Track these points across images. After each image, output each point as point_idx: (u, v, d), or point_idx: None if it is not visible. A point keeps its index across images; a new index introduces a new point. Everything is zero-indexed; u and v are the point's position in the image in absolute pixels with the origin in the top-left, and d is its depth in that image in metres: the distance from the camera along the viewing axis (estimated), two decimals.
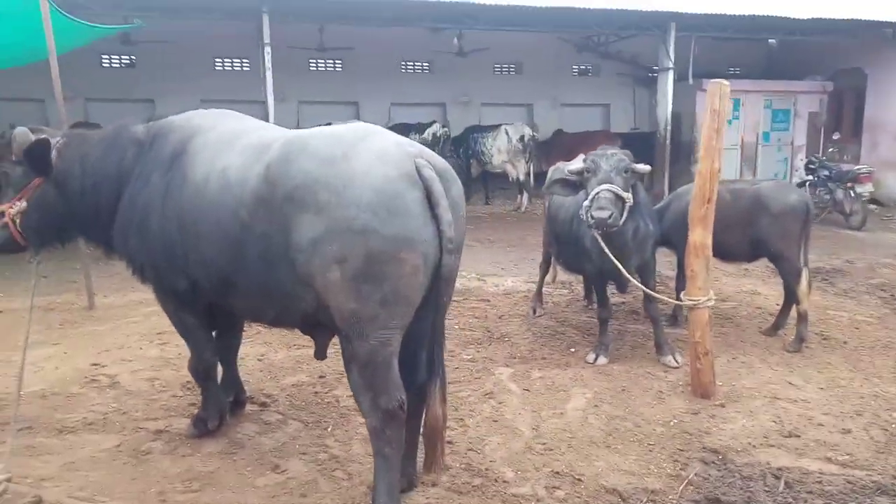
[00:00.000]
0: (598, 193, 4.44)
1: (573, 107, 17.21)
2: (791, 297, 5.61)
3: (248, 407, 4.29)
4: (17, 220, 3.61)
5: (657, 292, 5.27)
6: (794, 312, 5.53)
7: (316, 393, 4.53)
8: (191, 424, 3.90)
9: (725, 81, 4.28)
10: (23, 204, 3.60)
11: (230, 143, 3.27)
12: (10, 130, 3.66)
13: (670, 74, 12.55)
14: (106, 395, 4.47)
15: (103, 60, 15.18)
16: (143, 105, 14.59)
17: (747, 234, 5.60)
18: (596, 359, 5.14)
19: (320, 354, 3.44)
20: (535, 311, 6.50)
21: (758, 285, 7.51)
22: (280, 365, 5.06)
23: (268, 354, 5.26)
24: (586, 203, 4.51)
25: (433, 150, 10.49)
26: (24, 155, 3.52)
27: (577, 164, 4.85)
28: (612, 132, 15.11)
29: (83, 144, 3.71)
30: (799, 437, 3.94)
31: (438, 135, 13.05)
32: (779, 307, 5.91)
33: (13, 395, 4.02)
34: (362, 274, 2.72)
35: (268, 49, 11.00)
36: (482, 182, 14.94)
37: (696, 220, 4.41)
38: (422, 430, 3.19)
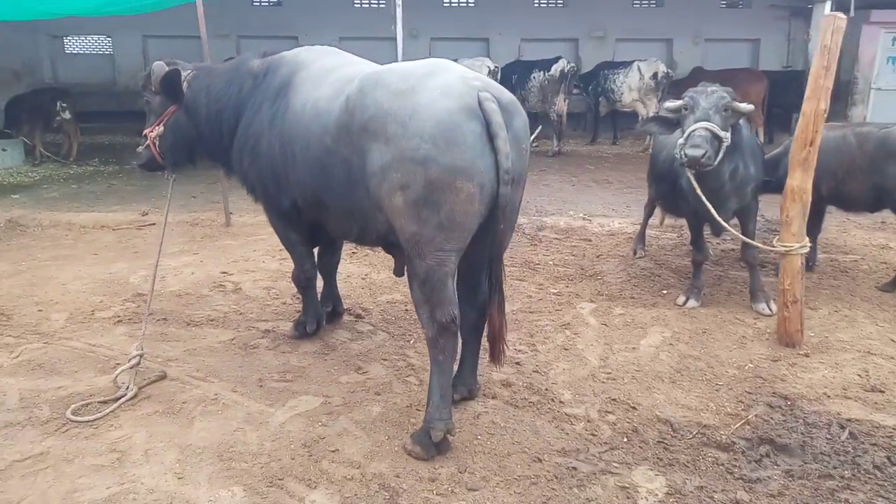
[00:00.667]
0: (693, 131, 4.34)
1: (718, 42, 16.12)
2: None
3: (346, 317, 4.80)
4: (157, 143, 4.22)
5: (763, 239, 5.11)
6: None
7: (406, 310, 4.93)
8: (292, 327, 4.45)
9: (841, 14, 3.99)
10: (160, 129, 4.19)
11: (325, 77, 3.61)
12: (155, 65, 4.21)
13: (828, 5, 11.34)
14: (229, 298, 5.16)
15: (254, 0, 16.22)
16: (289, 41, 15.50)
17: (870, 181, 5.22)
18: (686, 301, 5.12)
19: (398, 272, 3.79)
20: (635, 253, 6.49)
21: (892, 240, 6.95)
22: (380, 284, 5.51)
23: (370, 274, 5.74)
24: (681, 141, 4.43)
25: (559, 87, 10.34)
26: (159, 84, 4.08)
27: (677, 101, 4.75)
28: (758, 70, 14.00)
29: (209, 76, 4.20)
30: (882, 392, 3.79)
31: (566, 71, 12.76)
32: None
33: (156, 292, 4.81)
34: (422, 199, 2.92)
35: None
36: (611, 121, 14.54)
37: (795, 163, 4.23)
38: (486, 334, 3.45)
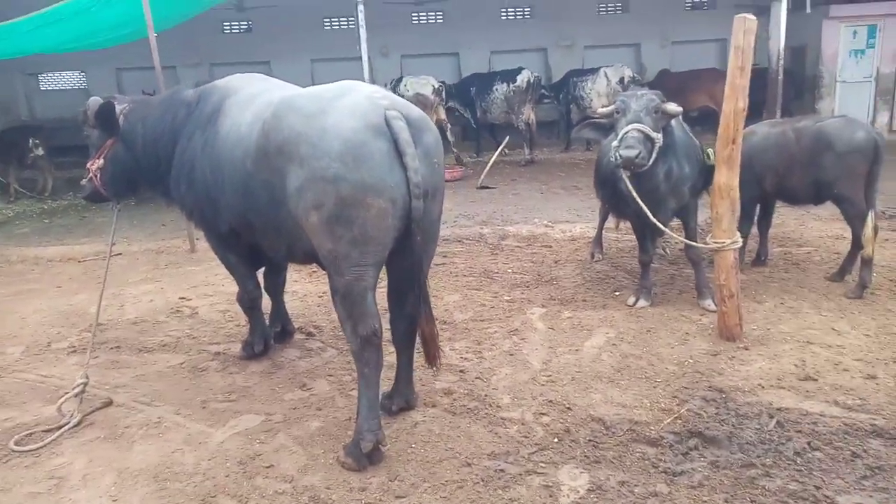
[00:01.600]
0: (626, 133, 4.45)
1: (685, 44, 16.28)
2: (857, 242, 5.31)
3: (297, 336, 4.87)
4: (98, 175, 4.31)
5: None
6: None
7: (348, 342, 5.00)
8: (241, 348, 4.53)
9: (752, 16, 4.12)
10: (101, 161, 4.29)
11: (249, 103, 3.71)
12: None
13: (783, 3, 11.53)
14: (184, 323, 5.23)
15: (224, 27, 16.38)
16: (261, 66, 15.62)
17: (810, 175, 5.33)
18: (636, 301, 5.21)
19: None
20: (592, 256, 6.59)
21: (847, 230, 7.03)
22: None
23: (328, 293, 5.79)
24: (615, 143, 4.54)
25: (526, 98, 10.55)
26: (94, 118, 4.18)
27: (609, 107, 4.87)
28: (723, 70, 14.16)
29: (145, 108, 4.30)
30: (816, 380, 3.88)
31: (531, 80, 12.93)
32: None
33: (113, 321, 4.87)
34: (335, 217, 3.02)
35: (361, 7, 11.39)
36: None
37: (720, 161, 4.33)
38: (421, 343, 3.55)
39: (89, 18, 7.84)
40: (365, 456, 3.19)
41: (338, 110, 3.10)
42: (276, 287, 4.76)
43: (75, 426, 3.66)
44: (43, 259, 7.57)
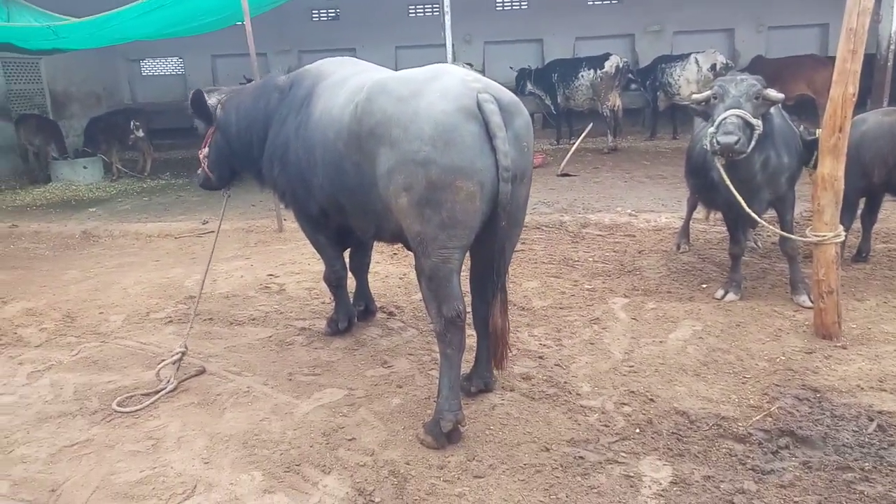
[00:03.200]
0: (724, 118, 4.26)
1: (783, 29, 15.48)
2: None
3: (378, 315, 4.96)
4: (205, 163, 4.55)
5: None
6: None
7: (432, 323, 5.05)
8: (326, 325, 4.65)
9: None
10: (206, 149, 4.52)
11: (341, 86, 3.77)
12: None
13: None
14: (272, 299, 5.42)
15: (313, 15, 16.79)
16: (348, 53, 15.95)
17: None
18: (725, 295, 5.02)
19: None
20: (678, 247, 6.39)
21: None
22: (416, 283, 5.64)
23: (409, 274, 5.89)
24: (711, 130, 4.35)
25: (613, 84, 10.33)
26: (190, 107, 4.38)
27: (705, 93, 4.68)
28: (823, 56, 13.38)
29: (239, 96, 4.45)
30: None
31: (620, 66, 12.60)
32: None
33: (206, 294, 5.13)
34: (424, 199, 3.04)
35: None
36: (670, 116, 14.22)
37: (825, 150, 4.09)
38: (490, 340, 3.51)
39: (188, 5, 8.21)
40: (444, 435, 3.22)
41: (430, 93, 3.10)
42: (362, 267, 4.87)
43: (171, 391, 3.87)
44: (142, 234, 8.03)
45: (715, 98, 4.48)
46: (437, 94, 3.10)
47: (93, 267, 6.76)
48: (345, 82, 3.78)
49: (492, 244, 3.26)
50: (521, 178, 3.26)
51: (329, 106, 3.70)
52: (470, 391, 3.69)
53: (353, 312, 4.70)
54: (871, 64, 12.30)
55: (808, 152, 4.55)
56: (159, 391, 3.84)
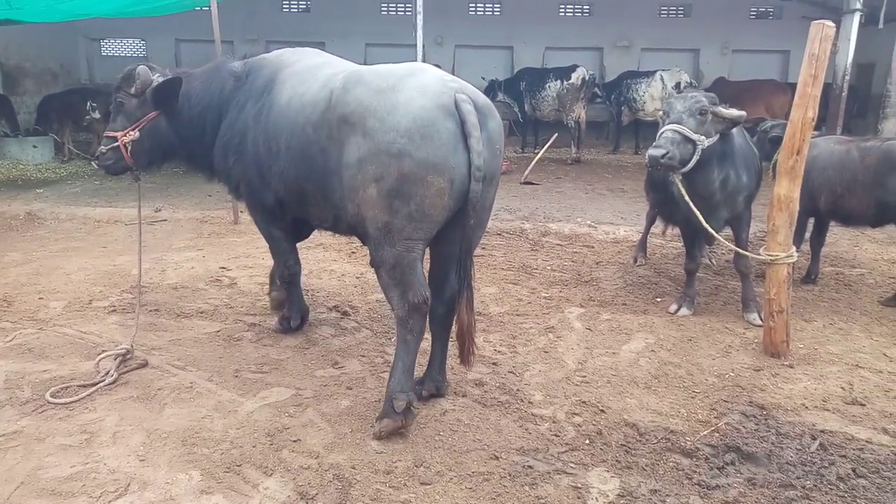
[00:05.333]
0: (661, 133, 4.33)
1: (746, 53, 15.92)
2: None
3: (331, 314, 4.87)
4: (129, 147, 4.14)
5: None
6: None
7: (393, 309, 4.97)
8: (277, 321, 4.53)
9: (830, 23, 3.92)
10: (135, 134, 4.14)
11: (311, 73, 3.72)
12: (134, 67, 4.17)
13: (855, 17, 11.11)
14: (222, 292, 5.27)
15: (283, 6, 16.54)
16: (316, 46, 15.68)
17: (873, 196, 5.12)
18: (678, 309, 5.07)
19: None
20: (636, 260, 6.45)
21: None
22: (373, 283, 5.55)
23: (366, 273, 5.80)
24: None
25: (579, 96, 10.65)
26: (154, 92, 4.10)
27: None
28: (782, 82, 13.77)
29: (189, 81, 4.21)
30: (863, 405, 3.71)
31: (586, 78, 12.74)
32: None
33: (154, 285, 4.95)
34: (395, 191, 3.07)
35: None
36: (633, 131, 14.44)
37: (783, 171, 4.17)
38: (455, 332, 3.51)
39: None
40: (399, 413, 3.22)
41: (409, 88, 3.14)
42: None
43: (111, 384, 3.70)
44: (91, 219, 7.75)
45: (663, 114, 4.54)
46: (415, 89, 3.13)
47: (36, 250, 6.48)
48: (315, 70, 3.73)
49: (454, 244, 3.30)
50: (491, 180, 3.28)
51: (299, 92, 3.65)
52: (421, 395, 3.63)
53: (306, 310, 4.59)
54: (826, 93, 12.71)
55: (773, 149, 4.60)
56: (97, 383, 3.67)
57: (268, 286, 4.92)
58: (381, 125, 3.08)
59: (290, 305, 4.51)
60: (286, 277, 4.41)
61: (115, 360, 3.84)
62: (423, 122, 3.04)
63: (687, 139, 4.26)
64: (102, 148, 4.28)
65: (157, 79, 4.16)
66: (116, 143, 4.16)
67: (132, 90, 4.13)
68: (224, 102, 4.06)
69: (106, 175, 4.70)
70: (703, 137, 4.29)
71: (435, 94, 3.11)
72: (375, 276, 5.16)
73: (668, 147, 4.21)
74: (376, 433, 3.25)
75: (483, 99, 3.27)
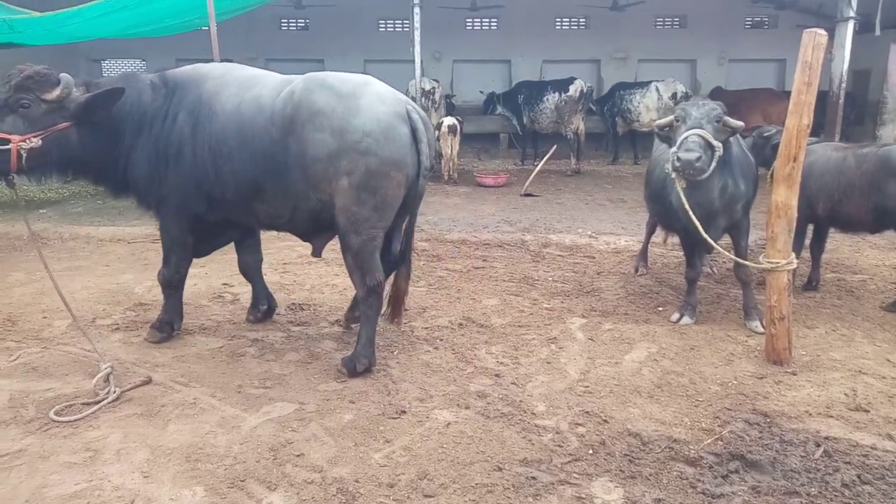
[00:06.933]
0: (686, 137, 4.32)
1: (742, 62, 16.00)
2: None
3: (333, 328, 4.88)
4: (25, 154, 3.77)
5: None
6: None
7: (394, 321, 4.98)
8: (156, 329, 4.59)
9: (822, 31, 3.95)
10: (37, 141, 3.80)
11: (254, 81, 4.03)
12: (45, 69, 3.93)
13: (850, 25, 11.20)
14: (225, 308, 5.29)
15: (282, 24, 16.67)
16: (315, 64, 15.85)
17: (871, 202, 5.13)
18: (680, 318, 5.08)
19: (317, 253, 4.41)
20: (636, 270, 6.46)
21: None
22: None
23: None
24: (674, 149, 4.40)
25: (577, 108, 11.33)
26: (89, 102, 3.87)
27: (667, 118, 4.76)
28: (779, 90, 13.84)
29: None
30: (867, 412, 3.70)
31: (584, 90, 12.81)
32: None
33: (157, 302, 4.96)
34: (363, 184, 3.65)
35: (417, 9, 11.45)
36: (631, 142, 14.50)
37: (780, 178, 4.19)
38: (390, 296, 4.36)
39: (152, 7, 8.06)
40: (358, 373, 3.98)
41: (368, 95, 3.73)
42: (256, 265, 4.98)
43: (114, 401, 3.71)
44: (94, 238, 7.78)
45: (677, 121, 4.55)
46: (374, 96, 3.74)
47: (39, 270, 6.46)
48: (254, 79, 4.08)
49: (395, 227, 4.15)
50: (427, 176, 4.00)
51: (251, 97, 3.91)
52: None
53: (182, 315, 4.71)
54: (823, 101, 12.79)
55: (774, 156, 4.63)
56: (100, 401, 3.67)
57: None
58: (347, 125, 3.64)
59: (170, 310, 4.61)
60: (175, 282, 4.54)
61: (106, 381, 3.81)
62: (386, 126, 3.67)
63: (709, 145, 4.28)
64: None
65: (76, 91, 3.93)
66: (7, 147, 3.74)
67: (49, 95, 3.84)
68: (143, 114, 4.07)
69: None
70: (720, 145, 4.31)
71: (391, 103, 3.76)
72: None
73: (699, 151, 4.22)
74: (339, 370, 4.02)
75: (422, 112, 3.98)
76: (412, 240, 4.12)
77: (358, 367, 3.95)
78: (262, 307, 4.96)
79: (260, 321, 4.96)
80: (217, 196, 4.06)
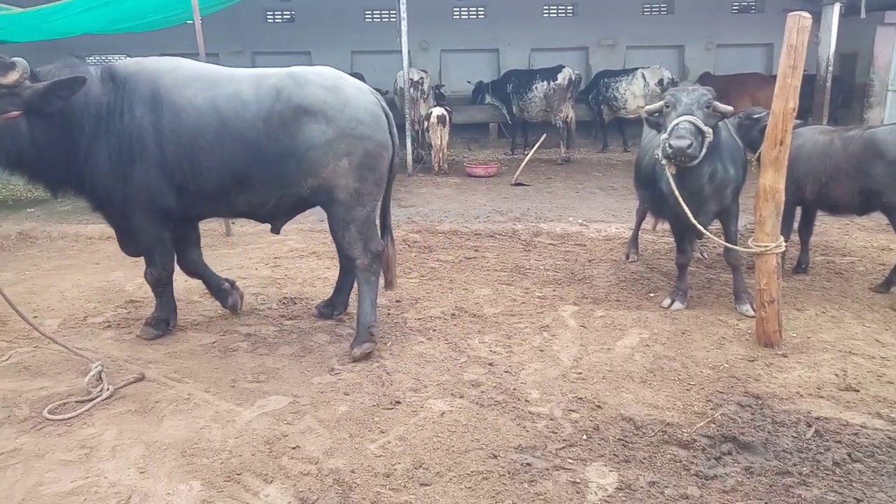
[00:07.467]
0: (677, 124, 4.33)
1: (731, 47, 16.00)
2: None
3: (326, 321, 4.88)
4: None
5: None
6: None
7: (389, 314, 5.00)
8: (150, 327, 4.58)
9: (806, 14, 3.96)
10: None
11: (220, 76, 4.10)
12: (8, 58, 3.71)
13: (836, 8, 11.22)
14: (216, 304, 5.24)
15: (268, 16, 16.54)
16: (302, 57, 15.74)
17: (857, 184, 5.16)
18: (671, 304, 5.11)
19: (276, 230, 4.64)
20: (627, 257, 6.48)
21: (894, 241, 6.82)
22: None
23: None
24: (664, 136, 4.41)
25: (566, 96, 11.15)
26: (51, 88, 3.69)
27: (656, 104, 4.77)
28: (767, 75, 13.87)
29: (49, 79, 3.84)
30: (857, 391, 3.75)
31: (573, 78, 12.79)
32: None
33: (149, 299, 4.95)
34: (363, 164, 4.07)
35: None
36: (619, 129, 14.50)
37: (767, 162, 4.21)
38: (384, 270, 4.58)
39: (138, 1, 7.98)
40: (374, 337, 4.28)
41: (348, 87, 4.11)
42: (201, 258, 4.92)
43: (108, 398, 3.70)
44: (82, 236, 7.73)
45: (667, 107, 4.55)
46: (354, 88, 4.13)
47: (28, 269, 6.47)
48: (217, 74, 4.12)
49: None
50: (399, 154, 4.81)
51: (231, 92, 3.99)
52: (322, 311, 4.92)
53: (176, 311, 4.75)
54: (810, 84, 12.84)
55: (762, 139, 4.64)
56: (94, 398, 3.67)
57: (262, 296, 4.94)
58: (340, 114, 3.99)
59: (163, 307, 4.61)
60: (164, 279, 4.50)
61: (98, 379, 3.79)
62: (374, 113, 4.12)
63: (700, 130, 4.29)
64: None
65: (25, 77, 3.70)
66: None
67: (3, 80, 3.62)
68: (99, 107, 3.91)
69: None
70: (710, 130, 4.32)
71: (368, 94, 4.20)
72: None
73: (690, 138, 4.23)
74: (357, 356, 4.14)
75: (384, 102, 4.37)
76: (389, 208, 4.59)
77: (373, 331, 4.26)
78: (225, 286, 4.91)
79: (239, 298, 4.98)
80: (192, 189, 4.06)
